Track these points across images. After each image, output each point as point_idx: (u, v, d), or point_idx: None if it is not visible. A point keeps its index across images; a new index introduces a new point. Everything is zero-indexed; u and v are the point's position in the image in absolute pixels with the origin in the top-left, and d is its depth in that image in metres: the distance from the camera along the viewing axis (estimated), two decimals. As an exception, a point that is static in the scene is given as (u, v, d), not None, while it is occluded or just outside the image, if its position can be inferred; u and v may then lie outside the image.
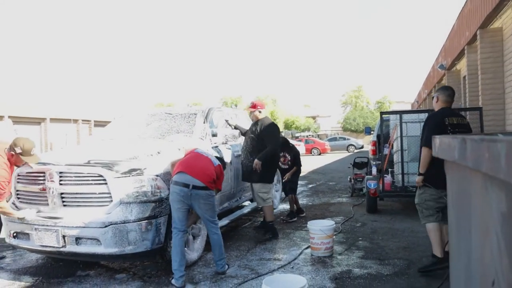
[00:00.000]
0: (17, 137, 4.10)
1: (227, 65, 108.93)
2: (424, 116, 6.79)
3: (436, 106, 4.04)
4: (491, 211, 1.02)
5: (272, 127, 5.21)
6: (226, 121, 5.63)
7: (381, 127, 7.29)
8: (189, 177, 3.67)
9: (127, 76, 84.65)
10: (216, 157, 4.24)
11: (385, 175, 6.40)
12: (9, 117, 19.90)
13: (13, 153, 3.96)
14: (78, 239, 3.66)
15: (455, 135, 1.33)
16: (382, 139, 7.02)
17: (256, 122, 5.28)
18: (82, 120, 24.57)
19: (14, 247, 4.52)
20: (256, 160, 4.96)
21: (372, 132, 10.26)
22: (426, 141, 3.70)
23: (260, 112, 5.29)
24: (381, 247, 4.66)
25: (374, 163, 7.97)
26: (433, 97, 4.17)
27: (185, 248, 4.06)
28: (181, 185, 3.65)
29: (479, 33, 8.43)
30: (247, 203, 6.49)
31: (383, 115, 7.18)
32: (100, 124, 24.63)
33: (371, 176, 6.78)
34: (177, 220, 3.67)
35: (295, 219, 6.31)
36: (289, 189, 6.50)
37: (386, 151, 6.87)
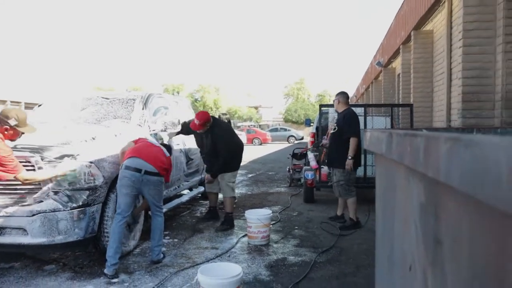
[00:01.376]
0: (4, 109, 3.41)
1: (169, 51, 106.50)
2: (360, 110, 7.09)
3: (339, 107, 5.34)
4: (412, 202, 1.08)
5: (224, 130, 5.23)
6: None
7: (320, 119, 7.50)
8: (141, 161, 3.63)
9: (65, 57, 79.99)
10: (165, 145, 4.18)
11: (322, 166, 6.60)
12: None
13: (7, 126, 3.27)
14: (1, 229, 3.43)
15: (384, 130, 1.40)
16: (321, 131, 7.23)
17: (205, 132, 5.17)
18: (11, 102, 22.90)
19: None
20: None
21: (312, 124, 10.54)
22: (355, 132, 5.04)
23: (209, 125, 5.09)
24: (316, 235, 4.83)
25: (311, 154, 8.20)
26: (334, 100, 5.49)
27: (120, 237, 3.96)
28: (132, 169, 3.58)
29: (413, 34, 8.92)
30: (185, 191, 6.43)
31: (322, 108, 7.39)
32: (31, 106, 23.12)
33: (309, 167, 6.97)
34: (123, 205, 3.59)
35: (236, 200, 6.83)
36: None
37: (324, 142, 7.08)
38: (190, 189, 6.45)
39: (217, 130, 5.09)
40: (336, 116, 6.47)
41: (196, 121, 4.98)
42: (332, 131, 5.29)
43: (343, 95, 5.40)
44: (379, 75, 15.99)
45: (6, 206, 3.41)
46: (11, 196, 3.50)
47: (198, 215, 5.98)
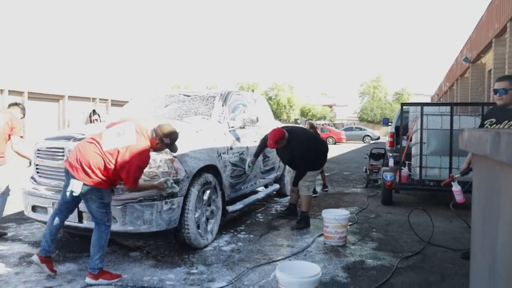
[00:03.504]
0: (164, 125, 3.52)
1: (244, 50, 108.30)
2: (445, 109, 6.66)
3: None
4: (524, 208, 0.98)
5: (301, 143, 5.04)
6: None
7: (401, 118, 7.17)
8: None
9: (145, 57, 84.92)
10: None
11: (402, 168, 6.31)
12: (28, 93, 20.13)
13: (159, 141, 3.46)
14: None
15: (486, 129, 1.28)
16: (401, 131, 6.91)
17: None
18: (100, 99, 24.76)
19: (31, 220, 4.61)
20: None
21: (390, 124, 10.12)
22: None
23: (284, 141, 4.99)
24: (395, 239, 4.62)
25: (391, 154, 7.88)
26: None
27: (199, 231, 4.10)
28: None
29: (509, 25, 8.17)
30: (261, 188, 6.49)
31: (404, 106, 7.06)
32: (117, 103, 24.81)
33: (387, 168, 6.70)
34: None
35: (317, 195, 7.24)
36: None
37: (404, 143, 6.77)
38: (266, 186, 6.50)
39: (294, 143, 4.97)
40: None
41: (270, 141, 4.92)
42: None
43: None
44: (465, 72, 14.93)
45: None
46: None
47: (273, 212, 6.01)
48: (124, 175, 3.26)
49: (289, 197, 6.46)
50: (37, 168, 4.25)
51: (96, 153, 3.26)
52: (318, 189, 7.72)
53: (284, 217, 5.56)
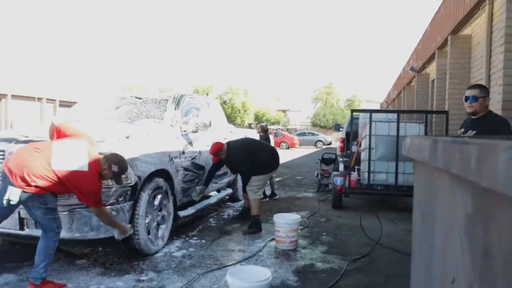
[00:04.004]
0: (116, 154, 3.43)
1: (198, 53, 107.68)
2: (392, 116, 6.95)
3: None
4: (456, 211, 1.04)
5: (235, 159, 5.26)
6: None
7: (351, 124, 7.40)
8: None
9: (96, 56, 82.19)
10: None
11: (351, 172, 6.51)
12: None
13: (106, 168, 3.31)
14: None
15: (426, 136, 1.35)
16: (351, 137, 7.13)
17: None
18: (47, 99, 23.64)
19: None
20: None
21: (341, 129, 10.41)
22: None
23: (223, 154, 5.22)
24: (344, 242, 4.75)
25: (341, 159, 8.10)
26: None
27: (149, 236, 4.01)
28: None
29: (450, 39, 8.68)
30: (213, 193, 6.46)
31: (354, 113, 7.29)
32: (65, 104, 23.77)
33: (338, 173, 6.88)
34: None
35: (267, 199, 7.33)
36: None
37: (354, 148, 6.99)
38: (219, 190, 6.48)
39: (232, 153, 5.20)
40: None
41: (210, 153, 5.21)
42: None
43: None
44: (412, 81, 15.66)
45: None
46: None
47: (226, 217, 6.00)
48: (83, 200, 3.18)
49: (242, 201, 6.49)
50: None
51: (44, 167, 3.04)
52: (268, 193, 7.76)
53: (237, 221, 5.56)
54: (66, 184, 3.10)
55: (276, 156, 5.46)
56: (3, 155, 3.71)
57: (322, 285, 3.42)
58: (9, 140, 3.82)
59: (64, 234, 3.44)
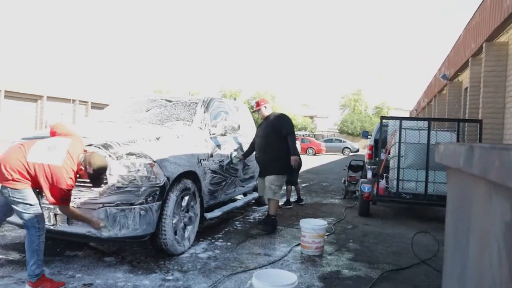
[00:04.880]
0: (94, 154, 3.35)
1: (227, 57, 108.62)
2: (423, 124, 6.82)
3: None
4: (494, 219, 1.01)
5: (284, 117, 5.44)
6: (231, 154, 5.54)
7: (380, 131, 7.30)
8: None
9: (127, 61, 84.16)
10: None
11: (380, 180, 6.41)
12: (5, 91, 19.62)
13: (83, 168, 3.27)
14: (69, 219, 3.63)
15: (462, 143, 1.32)
16: (380, 144, 7.03)
17: (265, 119, 5.46)
18: (80, 101, 24.35)
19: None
20: (293, 157, 5.24)
21: (369, 137, 10.28)
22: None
23: (265, 107, 5.45)
24: (371, 250, 4.68)
25: (369, 167, 7.99)
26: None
27: (176, 237, 4.06)
28: None
29: (485, 46, 8.44)
30: (240, 196, 6.49)
31: (383, 120, 7.19)
32: (97, 106, 24.46)
33: (366, 180, 6.79)
34: None
35: (291, 206, 7.22)
36: (288, 181, 7.00)
37: (382, 156, 6.89)
38: (245, 194, 6.50)
39: (280, 118, 5.35)
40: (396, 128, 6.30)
41: (255, 104, 5.47)
42: None
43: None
44: (443, 89, 15.31)
45: (76, 198, 3.60)
46: (80, 188, 3.70)
47: (251, 220, 6.00)
48: (48, 193, 3.13)
49: (267, 206, 6.48)
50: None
51: (18, 159, 3.08)
52: (294, 198, 7.74)
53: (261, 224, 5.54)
54: (36, 177, 3.09)
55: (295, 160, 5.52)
56: None
57: (348, 292, 3.37)
58: (43, 139, 3.95)
59: (94, 231, 3.54)
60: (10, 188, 3.06)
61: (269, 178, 5.22)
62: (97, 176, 3.31)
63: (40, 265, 3.16)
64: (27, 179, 3.08)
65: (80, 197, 3.60)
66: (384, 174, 6.69)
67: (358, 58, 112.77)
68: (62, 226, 3.64)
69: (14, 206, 3.13)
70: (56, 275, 3.46)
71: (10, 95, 20.06)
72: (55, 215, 3.62)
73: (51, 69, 23.14)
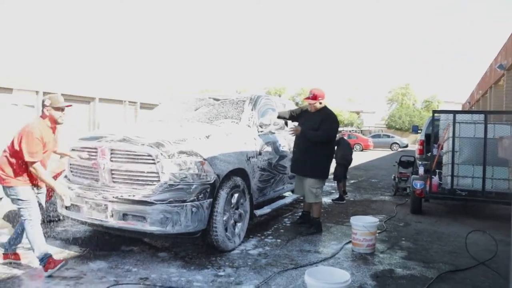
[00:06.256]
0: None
1: (271, 55, 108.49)
2: (478, 117, 6.48)
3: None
4: None
5: (333, 118, 5.07)
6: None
7: (432, 126, 7.03)
8: None
9: (175, 61, 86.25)
10: None
11: (432, 176, 6.18)
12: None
13: (45, 110, 3.68)
14: (125, 215, 3.76)
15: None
16: (432, 139, 6.77)
17: (314, 113, 5.07)
18: (129, 102, 25.22)
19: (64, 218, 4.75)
20: (298, 129, 5.00)
21: (419, 131, 9.91)
22: None
23: (320, 103, 5.06)
24: (425, 249, 4.52)
25: (421, 163, 7.72)
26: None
27: (227, 233, 4.12)
28: None
29: (547, 33, 7.90)
30: (288, 193, 6.48)
31: (435, 114, 6.92)
32: (145, 106, 25.22)
33: (417, 176, 6.57)
34: None
35: (344, 201, 7.29)
36: (335, 176, 7.45)
37: (435, 151, 6.63)
38: (293, 191, 6.47)
39: (328, 118, 5.00)
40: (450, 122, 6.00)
41: (310, 93, 5.04)
42: None
43: None
44: (500, 79, 14.50)
45: (131, 195, 3.74)
46: (134, 185, 3.84)
47: (300, 217, 5.97)
48: (18, 149, 3.41)
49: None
50: (70, 168, 4.38)
51: (3, 154, 3.54)
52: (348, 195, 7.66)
53: (300, 224, 5.48)
54: (13, 147, 3.46)
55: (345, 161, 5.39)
56: (96, 152, 4.02)
57: (402, 292, 3.28)
58: (99, 139, 4.13)
59: (147, 227, 3.66)
60: (4, 186, 3.52)
61: (310, 182, 5.01)
62: (54, 105, 3.65)
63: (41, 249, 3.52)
64: (9, 164, 3.47)
65: (134, 194, 3.73)
66: (437, 170, 6.44)
67: (405, 49, 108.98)
68: (118, 222, 3.78)
69: (13, 203, 3.58)
70: (114, 268, 3.62)
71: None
72: (111, 211, 3.77)
73: (101, 71, 24.13)
